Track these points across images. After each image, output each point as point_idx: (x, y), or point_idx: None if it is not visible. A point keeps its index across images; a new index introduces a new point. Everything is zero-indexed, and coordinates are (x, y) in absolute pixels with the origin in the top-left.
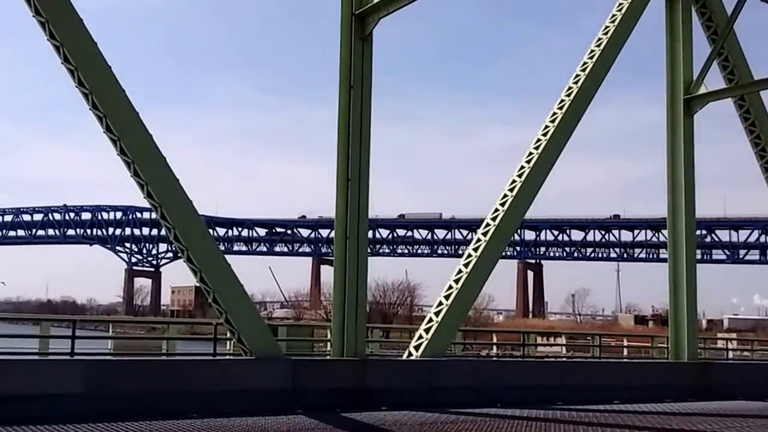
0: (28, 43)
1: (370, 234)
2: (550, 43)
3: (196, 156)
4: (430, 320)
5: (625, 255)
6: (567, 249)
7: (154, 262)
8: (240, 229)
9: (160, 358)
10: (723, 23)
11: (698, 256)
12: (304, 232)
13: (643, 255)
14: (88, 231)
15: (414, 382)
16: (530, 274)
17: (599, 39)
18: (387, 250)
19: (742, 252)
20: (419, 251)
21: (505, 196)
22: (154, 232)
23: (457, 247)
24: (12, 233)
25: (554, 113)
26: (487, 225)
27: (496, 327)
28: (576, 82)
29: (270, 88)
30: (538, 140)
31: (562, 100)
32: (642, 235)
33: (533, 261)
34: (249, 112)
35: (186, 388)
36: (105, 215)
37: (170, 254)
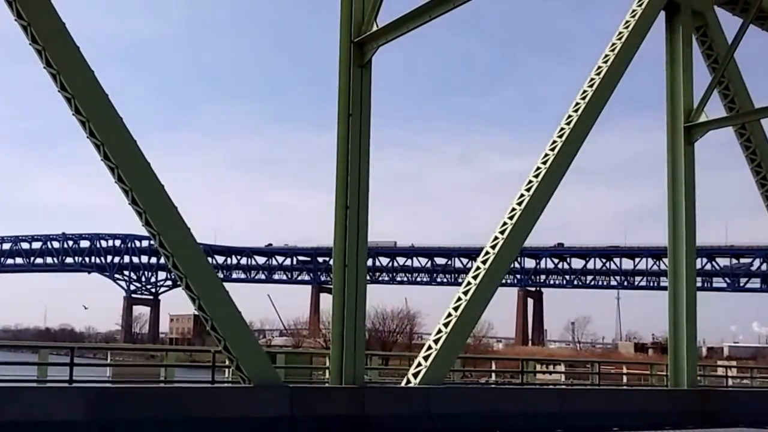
0: (27, 70)
1: (369, 262)
2: (551, 71)
3: (195, 183)
4: (429, 348)
5: (625, 283)
6: (567, 277)
7: (153, 290)
8: (239, 256)
9: (160, 386)
10: (723, 52)
11: (699, 284)
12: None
13: (643, 283)
14: (87, 259)
15: (413, 409)
16: (530, 301)
17: (599, 67)
18: (386, 278)
19: (743, 280)
20: (419, 279)
21: (505, 224)
22: (153, 260)
23: (456, 275)
24: (10, 261)
25: (554, 141)
26: (487, 253)
27: (495, 354)
28: (576, 111)
29: (270, 115)
30: (538, 168)
31: (562, 129)
32: (643, 263)
33: (533, 289)
34: (248, 139)
35: (185, 415)
36: (104, 243)
37: (169, 282)
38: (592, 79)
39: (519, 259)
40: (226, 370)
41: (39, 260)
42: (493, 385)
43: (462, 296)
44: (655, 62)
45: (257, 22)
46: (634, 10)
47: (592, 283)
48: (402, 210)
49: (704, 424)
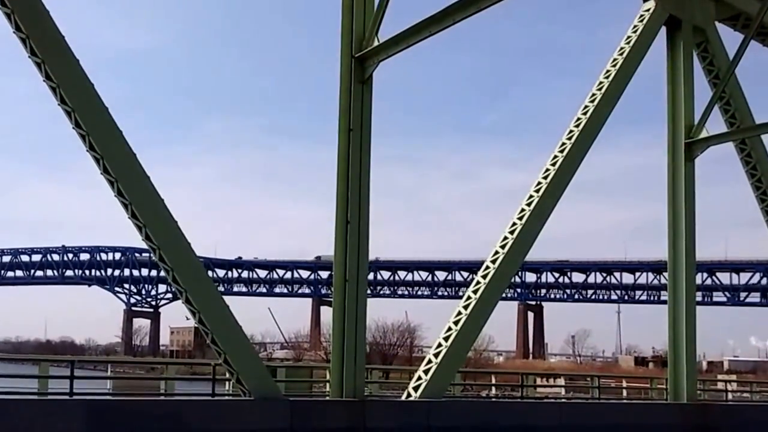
0: (25, 82)
1: (370, 275)
2: (553, 85)
3: (195, 197)
4: (430, 361)
5: (626, 297)
6: (568, 291)
7: (153, 303)
8: (239, 270)
9: (160, 398)
10: (724, 67)
11: (699, 299)
12: (304, 274)
13: (644, 297)
14: (87, 272)
15: (413, 422)
16: (531, 315)
17: (601, 83)
18: (387, 291)
19: (743, 294)
20: (419, 293)
21: (506, 238)
22: (153, 272)
23: (457, 288)
24: (10, 274)
25: (555, 156)
26: (487, 267)
27: (495, 368)
28: (577, 126)
29: (271, 129)
30: (539, 183)
31: (563, 144)
32: (643, 278)
33: (534, 302)
34: (248, 153)
35: (185, 428)
36: (104, 256)
37: (169, 295)
38: (593, 94)
39: (520, 273)
40: (227, 382)
41: (39, 273)
42: (493, 399)
43: (462, 310)
44: (656, 78)
45: (258, 36)
46: (635, 26)
47: (593, 297)
48: (403, 224)
49: None
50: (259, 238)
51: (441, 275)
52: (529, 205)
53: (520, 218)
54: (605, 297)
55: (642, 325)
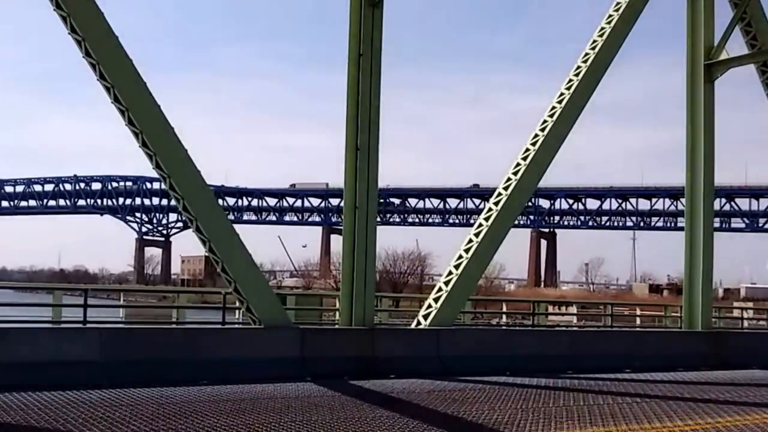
0: (36, 13)
1: (380, 203)
2: (569, 7)
3: (206, 125)
4: (440, 289)
5: (641, 224)
6: (582, 217)
7: (165, 232)
8: (249, 198)
9: (172, 327)
10: None
11: (716, 225)
12: (314, 202)
13: (660, 223)
14: (99, 201)
15: (423, 350)
16: (543, 242)
17: (617, 3)
18: (398, 219)
19: (762, 221)
20: (430, 220)
21: (518, 164)
22: (165, 201)
23: (469, 216)
24: (24, 203)
25: (570, 80)
26: (499, 194)
27: (506, 296)
28: (593, 48)
29: (281, 56)
30: (553, 108)
31: (579, 67)
32: (660, 204)
33: (547, 229)
34: (259, 81)
35: (197, 356)
36: (115, 185)
37: (180, 224)
38: (610, 16)
39: (533, 199)
40: (237, 311)
41: (52, 202)
42: (503, 327)
43: (473, 238)
44: None
45: None
46: None
47: (608, 224)
48: (413, 151)
49: (717, 366)
50: (270, 166)
51: (452, 203)
52: (542, 130)
53: (534, 144)
54: (620, 224)
55: (657, 252)
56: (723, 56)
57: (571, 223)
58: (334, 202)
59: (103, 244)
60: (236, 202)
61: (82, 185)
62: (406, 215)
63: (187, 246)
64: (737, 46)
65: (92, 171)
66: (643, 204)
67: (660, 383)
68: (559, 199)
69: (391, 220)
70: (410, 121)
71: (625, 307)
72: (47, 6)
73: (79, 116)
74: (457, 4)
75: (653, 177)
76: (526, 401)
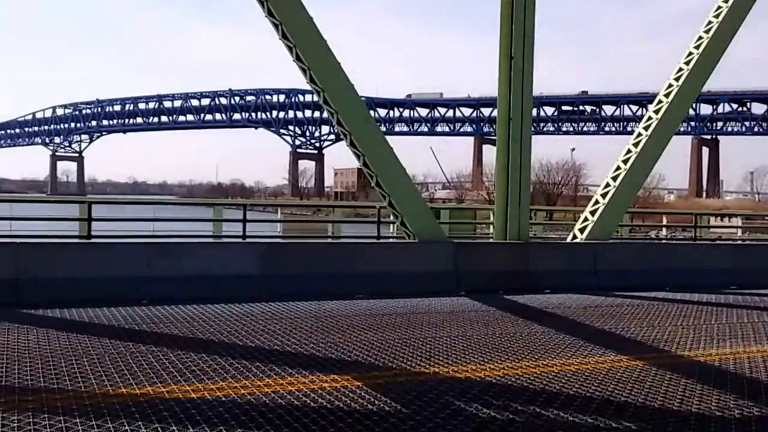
0: None
1: (534, 113)
2: None
3: (359, 33)
4: (597, 202)
5: None
6: (747, 123)
7: (317, 145)
8: (401, 109)
9: (328, 241)
10: None
11: None
12: (466, 112)
13: None
14: (253, 114)
15: (578, 265)
16: (705, 150)
17: None
18: (551, 129)
19: None
20: (585, 129)
21: (680, 69)
22: (317, 114)
23: (625, 124)
24: (182, 118)
25: None
26: (660, 102)
27: (666, 208)
28: None
29: None
30: (719, 7)
31: None
32: None
33: (709, 136)
34: None
35: (354, 270)
36: (269, 98)
37: (332, 136)
38: None
39: (694, 104)
40: (391, 225)
41: (209, 117)
42: (663, 241)
43: (632, 148)
44: None
45: None
46: None
47: None
48: (567, 55)
49: None
50: (420, 75)
51: (608, 110)
52: (707, 32)
53: (697, 47)
54: None
55: None
56: None
57: (735, 129)
58: (486, 111)
59: (258, 157)
60: (387, 113)
61: (237, 99)
62: (560, 124)
63: (340, 159)
64: None
65: (246, 84)
66: None
67: None
68: (722, 104)
69: (545, 129)
70: (562, 24)
71: None
72: None
73: (231, 29)
74: None
75: None
76: (686, 318)
